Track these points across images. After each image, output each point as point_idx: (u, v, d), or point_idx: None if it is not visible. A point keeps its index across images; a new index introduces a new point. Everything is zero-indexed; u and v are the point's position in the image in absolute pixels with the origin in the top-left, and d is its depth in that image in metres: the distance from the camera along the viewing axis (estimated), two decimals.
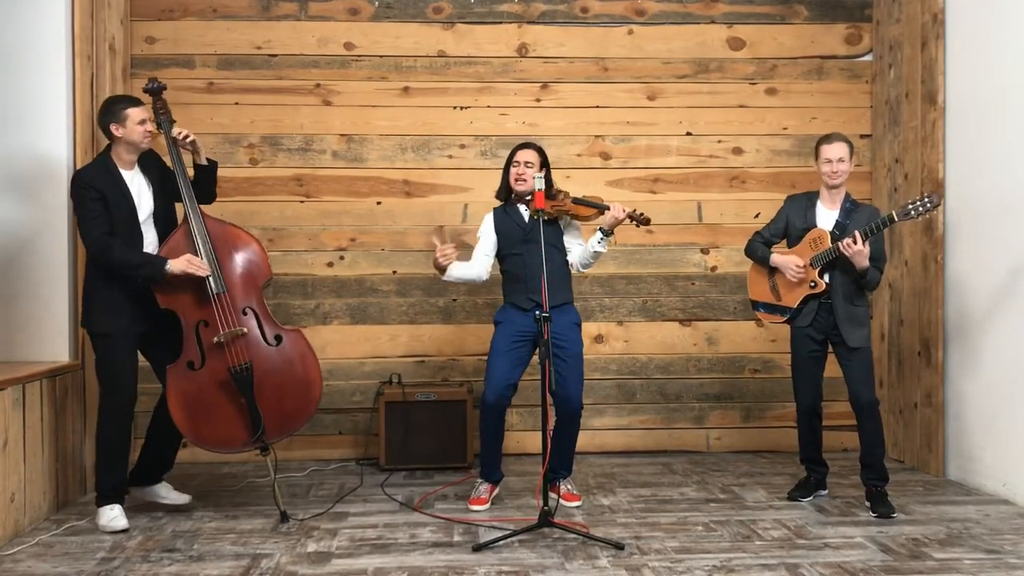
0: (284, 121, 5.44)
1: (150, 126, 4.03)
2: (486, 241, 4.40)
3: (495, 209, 4.45)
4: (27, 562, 3.57)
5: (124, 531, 3.92)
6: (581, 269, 4.43)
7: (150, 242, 4.06)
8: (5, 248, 4.40)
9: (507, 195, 4.41)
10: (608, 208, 4.21)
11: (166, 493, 4.28)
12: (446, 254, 4.24)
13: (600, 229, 4.25)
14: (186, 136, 4.12)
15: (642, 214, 4.23)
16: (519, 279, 4.31)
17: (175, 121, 4.19)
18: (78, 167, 4.46)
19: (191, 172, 4.20)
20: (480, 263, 4.38)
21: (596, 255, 4.31)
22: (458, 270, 4.34)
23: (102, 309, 3.99)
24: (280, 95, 5.44)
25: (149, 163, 4.14)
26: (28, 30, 4.41)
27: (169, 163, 4.15)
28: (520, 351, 4.27)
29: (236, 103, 5.42)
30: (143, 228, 4.03)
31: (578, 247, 4.39)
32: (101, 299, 3.98)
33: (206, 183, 4.22)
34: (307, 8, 5.48)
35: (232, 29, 5.43)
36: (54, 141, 4.44)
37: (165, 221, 4.14)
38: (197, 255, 3.99)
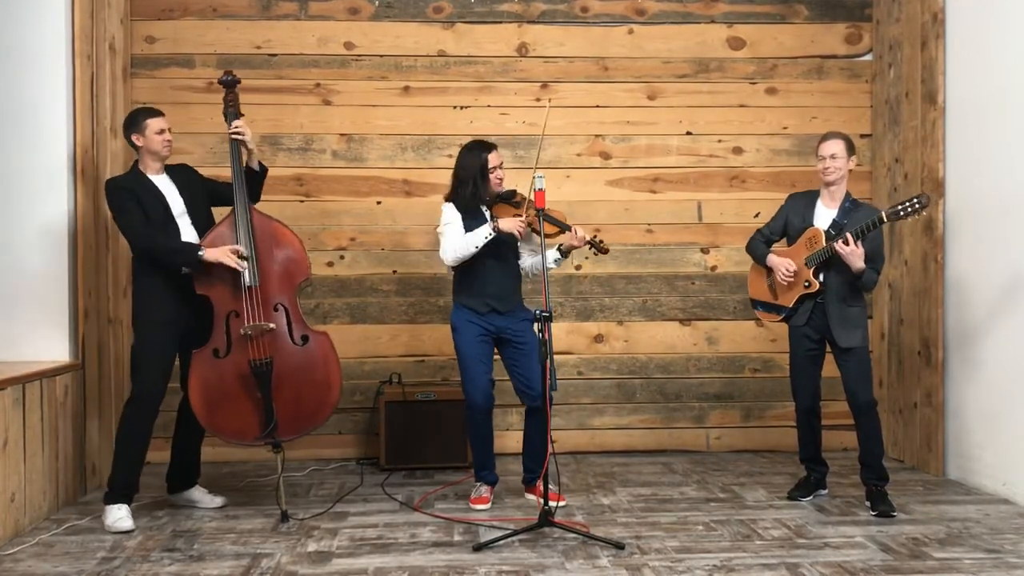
0: (284, 121, 5.44)
1: (169, 136, 4.12)
2: (460, 230, 4.27)
3: (455, 205, 4.31)
4: (27, 562, 3.57)
5: (129, 532, 3.91)
6: (530, 276, 4.48)
7: (188, 237, 4.12)
8: (5, 247, 4.40)
9: (473, 199, 4.27)
10: (569, 229, 4.22)
11: (200, 496, 4.33)
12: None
13: (558, 248, 4.29)
14: (240, 133, 4.18)
15: (601, 242, 4.26)
16: (475, 283, 4.29)
17: (242, 115, 4.26)
18: (78, 166, 4.49)
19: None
20: None
21: (547, 270, 4.30)
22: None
23: (146, 301, 4.07)
24: (280, 95, 5.44)
25: (179, 172, 4.24)
26: (28, 29, 4.41)
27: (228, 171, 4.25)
28: (486, 349, 4.30)
29: None
30: (179, 223, 4.11)
31: (530, 255, 4.43)
32: (146, 292, 4.07)
33: (253, 184, 4.29)
34: (307, 8, 5.48)
35: (232, 29, 5.43)
36: (54, 140, 4.43)
37: (203, 222, 4.19)
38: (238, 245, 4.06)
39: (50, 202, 4.43)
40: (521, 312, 4.36)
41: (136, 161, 4.17)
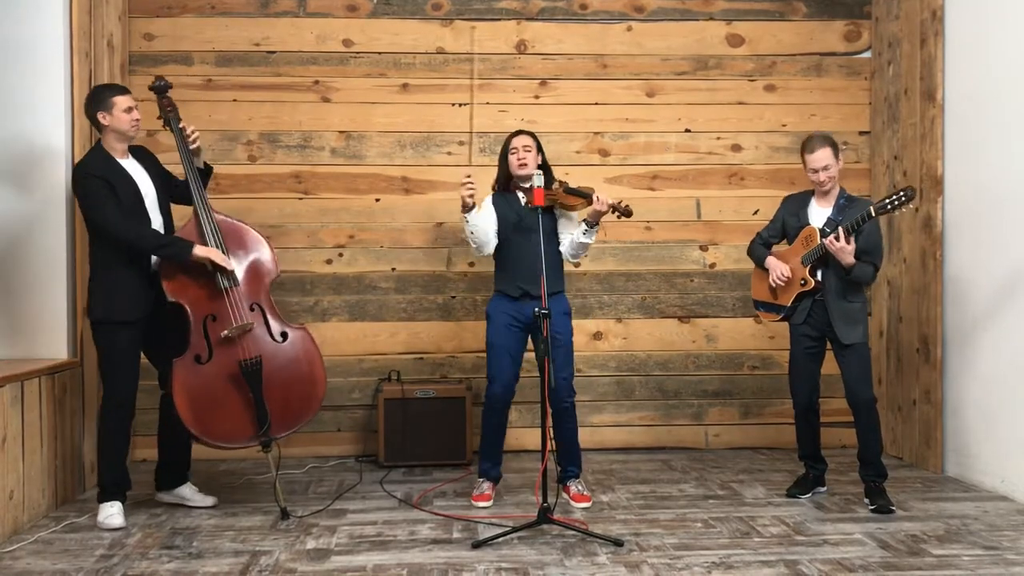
0: (283, 118, 5.44)
1: (137, 114, 4.04)
2: (490, 217, 4.37)
3: (492, 195, 4.46)
4: (26, 559, 3.57)
5: (119, 529, 3.91)
6: (571, 259, 4.45)
7: (158, 227, 4.07)
8: (3, 244, 4.39)
9: (506, 182, 4.40)
10: (592, 198, 4.22)
11: (191, 495, 4.30)
12: (470, 182, 4.18)
13: (584, 221, 4.28)
14: (193, 133, 4.14)
15: (626, 206, 4.22)
16: (508, 267, 4.33)
17: (181, 119, 4.22)
18: (75, 163, 4.47)
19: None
20: (493, 232, 4.36)
21: (583, 246, 4.33)
22: (482, 220, 4.30)
23: (107, 296, 3.97)
24: (278, 92, 5.44)
25: (143, 155, 4.18)
26: (27, 27, 4.40)
27: (174, 162, 4.18)
28: (516, 340, 4.30)
29: (234, 100, 5.41)
30: (150, 213, 4.05)
31: (569, 237, 4.41)
32: (107, 287, 3.98)
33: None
34: (305, 4, 5.47)
35: (230, 26, 5.42)
36: (52, 138, 4.43)
37: (167, 213, 4.15)
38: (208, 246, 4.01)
39: (48, 200, 4.42)
40: (560, 302, 4.31)
41: (99, 141, 4.06)
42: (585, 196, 4.25)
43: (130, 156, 4.10)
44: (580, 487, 4.39)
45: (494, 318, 4.33)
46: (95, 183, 3.92)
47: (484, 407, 4.34)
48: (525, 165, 4.29)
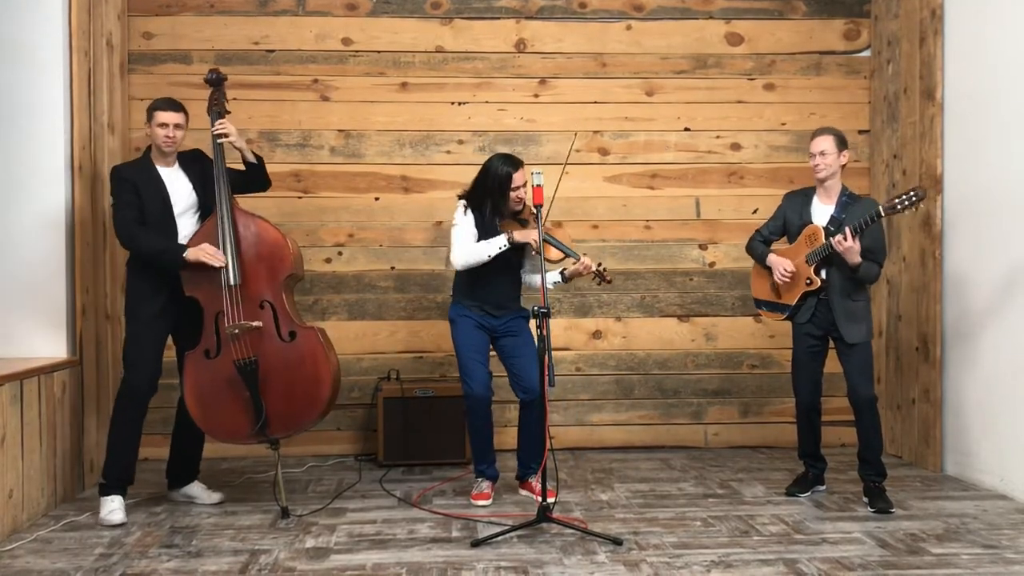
0: (282, 117, 5.44)
1: (172, 132, 4.06)
2: (471, 234, 4.26)
3: (471, 208, 4.28)
4: (25, 558, 3.57)
5: (120, 525, 3.92)
6: (527, 287, 4.48)
7: (188, 234, 4.11)
8: (3, 244, 4.39)
9: (480, 206, 4.26)
10: (578, 257, 4.18)
11: (199, 492, 4.33)
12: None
13: (561, 272, 4.28)
14: (224, 134, 4.17)
15: (605, 270, 4.22)
16: (476, 288, 4.29)
17: (229, 113, 4.27)
18: (76, 162, 4.49)
19: (236, 166, 4.26)
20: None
21: (546, 291, 4.28)
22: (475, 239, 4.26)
23: (130, 289, 4.09)
24: (278, 90, 5.44)
25: (191, 162, 4.22)
26: (26, 25, 4.40)
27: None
28: (483, 340, 4.32)
29: (234, 98, 5.32)
30: (180, 220, 4.11)
31: (532, 271, 4.43)
32: (136, 285, 4.08)
33: (256, 174, 4.30)
34: (305, 3, 5.47)
35: (229, 24, 5.42)
36: (51, 137, 4.42)
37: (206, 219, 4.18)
38: (219, 245, 4.02)
39: (48, 199, 4.42)
40: (517, 312, 4.38)
41: (149, 147, 4.17)
42: (568, 253, 4.21)
43: (175, 164, 4.16)
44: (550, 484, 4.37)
45: (458, 322, 4.32)
46: (119, 185, 4.04)
47: (467, 409, 4.33)
48: (520, 201, 4.27)
